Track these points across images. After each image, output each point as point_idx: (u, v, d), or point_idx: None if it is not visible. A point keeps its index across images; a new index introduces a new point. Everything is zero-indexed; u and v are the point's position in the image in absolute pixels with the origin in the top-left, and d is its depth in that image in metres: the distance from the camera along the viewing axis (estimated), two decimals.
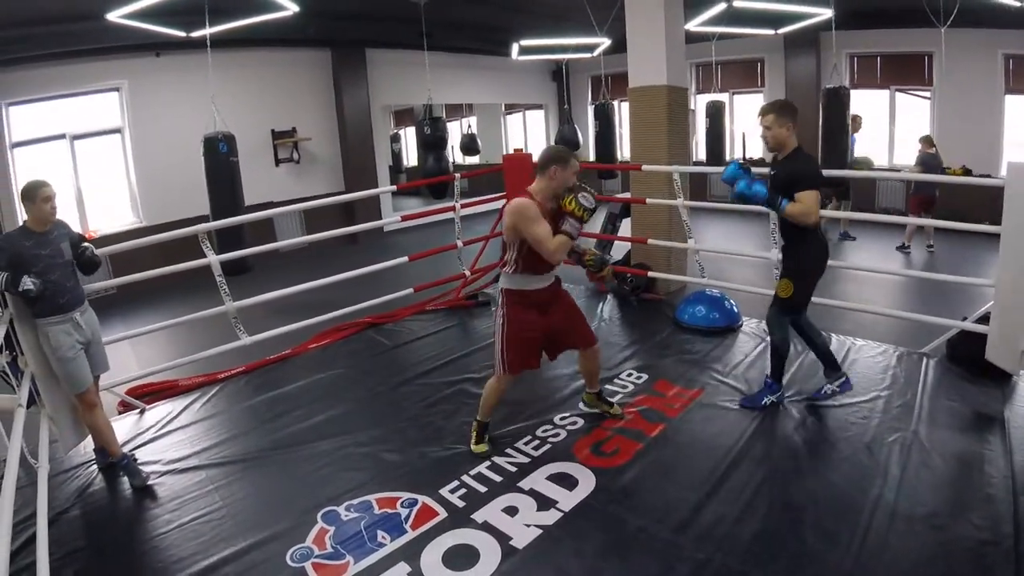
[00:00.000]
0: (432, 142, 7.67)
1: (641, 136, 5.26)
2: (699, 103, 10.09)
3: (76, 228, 3.05)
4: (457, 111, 13.32)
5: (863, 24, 7.90)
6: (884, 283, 5.60)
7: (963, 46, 7.34)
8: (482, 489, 2.68)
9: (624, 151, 9.94)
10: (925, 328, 3.89)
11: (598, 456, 2.90)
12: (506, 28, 8.92)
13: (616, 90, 9.85)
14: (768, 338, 3.33)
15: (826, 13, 6.62)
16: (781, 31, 8.16)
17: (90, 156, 6.97)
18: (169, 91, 7.25)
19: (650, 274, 5.20)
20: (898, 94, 8.50)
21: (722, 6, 6.31)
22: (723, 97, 9.80)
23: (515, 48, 8.85)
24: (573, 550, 2.29)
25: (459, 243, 5.40)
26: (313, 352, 4.54)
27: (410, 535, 2.41)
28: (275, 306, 4.57)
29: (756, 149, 9.53)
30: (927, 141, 6.53)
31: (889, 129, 8.58)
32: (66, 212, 5.58)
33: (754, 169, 3.03)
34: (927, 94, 8.21)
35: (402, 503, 2.62)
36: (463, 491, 2.68)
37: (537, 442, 3.04)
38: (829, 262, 3.11)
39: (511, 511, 2.52)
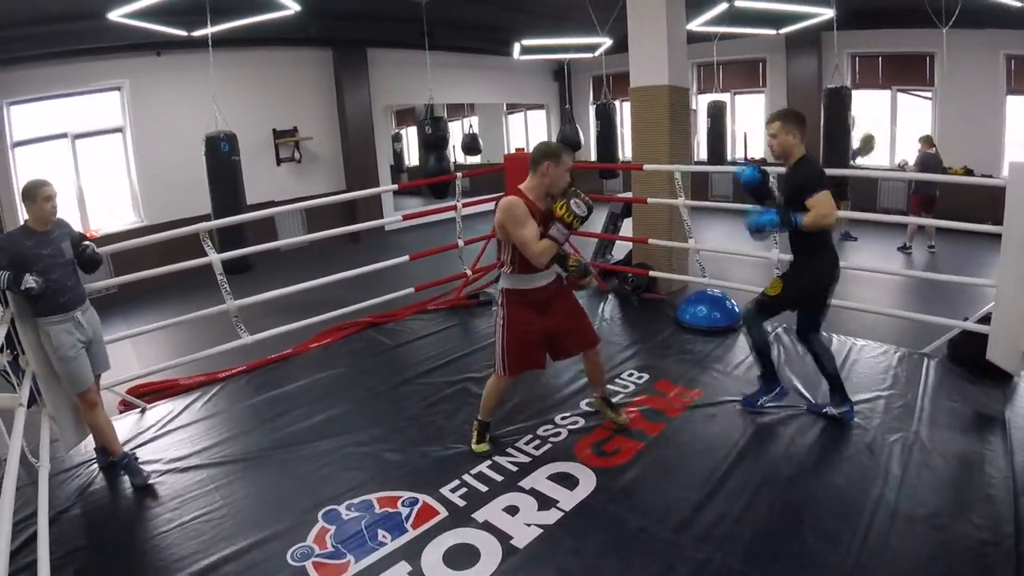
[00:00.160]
0: (433, 142, 7.68)
1: (642, 136, 5.26)
2: (700, 103, 10.10)
3: (77, 227, 3.05)
4: (459, 111, 13.33)
5: (864, 24, 7.90)
6: (885, 283, 5.60)
7: (965, 46, 7.33)
8: (483, 488, 2.68)
9: (625, 151, 9.95)
10: (926, 328, 3.89)
11: (599, 456, 2.90)
12: (507, 28, 8.92)
13: (617, 90, 9.83)
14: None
15: (827, 13, 6.62)
16: (782, 31, 8.16)
17: (91, 155, 6.98)
18: (170, 90, 7.26)
19: (651, 274, 5.20)
20: (899, 94, 8.50)
21: (724, 6, 6.32)
22: (724, 97, 9.80)
23: (516, 48, 8.86)
24: (573, 550, 2.29)
25: (460, 242, 5.41)
26: (314, 351, 4.54)
27: (411, 534, 2.41)
28: (276, 305, 4.58)
29: (757, 149, 9.53)
30: (927, 141, 6.53)
31: (891, 129, 8.57)
32: (67, 211, 5.59)
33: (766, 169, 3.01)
34: (928, 94, 8.21)
35: (403, 502, 2.61)
36: (464, 490, 2.68)
37: (538, 441, 3.04)
38: None
39: (512, 510, 2.52)
